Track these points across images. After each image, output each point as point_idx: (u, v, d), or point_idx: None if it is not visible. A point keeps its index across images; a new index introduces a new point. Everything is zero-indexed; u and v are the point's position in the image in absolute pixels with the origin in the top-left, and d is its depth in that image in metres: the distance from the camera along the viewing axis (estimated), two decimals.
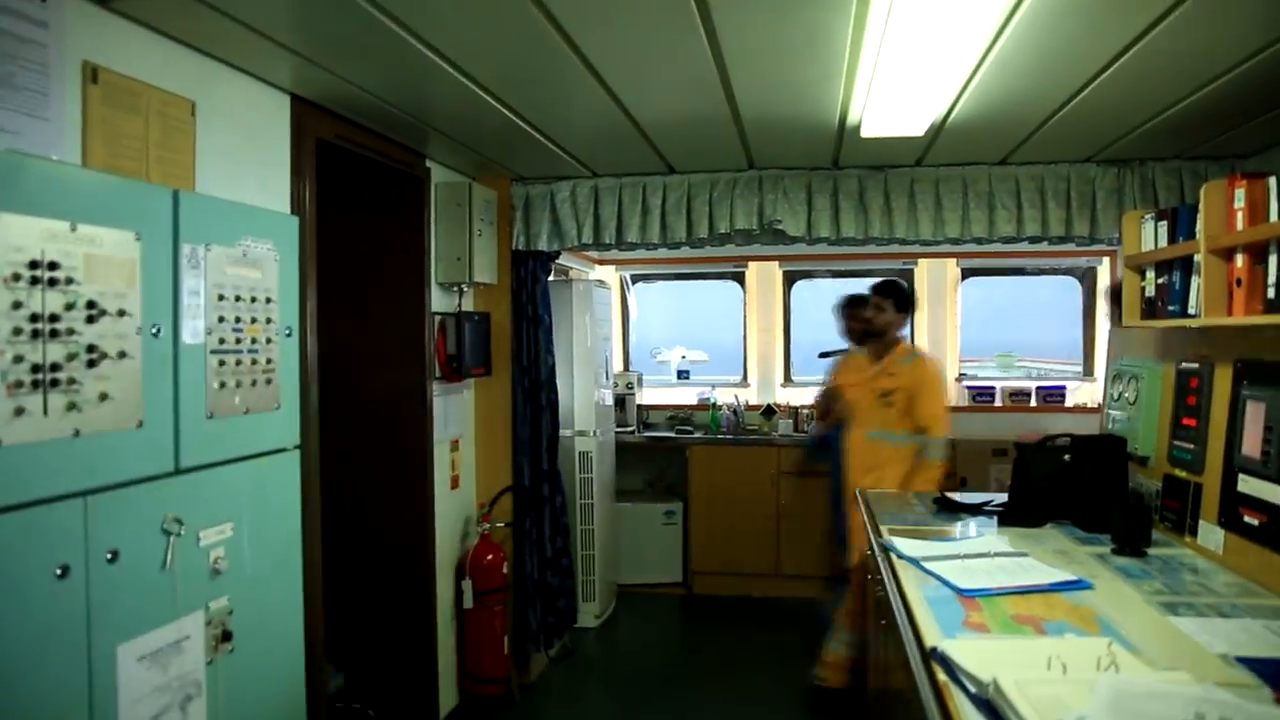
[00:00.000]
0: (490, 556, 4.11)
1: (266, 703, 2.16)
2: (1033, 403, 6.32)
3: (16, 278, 1.49)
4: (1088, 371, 6.45)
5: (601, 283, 6.03)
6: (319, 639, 2.92)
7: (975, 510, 3.28)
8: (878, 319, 4.19)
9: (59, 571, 1.57)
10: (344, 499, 3.67)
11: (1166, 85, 2.87)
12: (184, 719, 1.86)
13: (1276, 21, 2.29)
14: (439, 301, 4.01)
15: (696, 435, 6.43)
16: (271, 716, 2.19)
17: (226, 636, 1.99)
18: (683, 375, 7.16)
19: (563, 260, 5.57)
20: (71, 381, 1.59)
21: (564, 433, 5.07)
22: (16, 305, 1.49)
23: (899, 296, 4.19)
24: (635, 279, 7.19)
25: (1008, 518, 3.07)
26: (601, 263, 6.92)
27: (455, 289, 4.11)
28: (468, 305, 4.20)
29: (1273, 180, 2.28)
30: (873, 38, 2.38)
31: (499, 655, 4.15)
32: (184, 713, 1.86)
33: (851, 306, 4.62)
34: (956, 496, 3.49)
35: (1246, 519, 2.40)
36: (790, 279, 6.84)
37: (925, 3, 2.13)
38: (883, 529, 3.00)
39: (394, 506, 3.87)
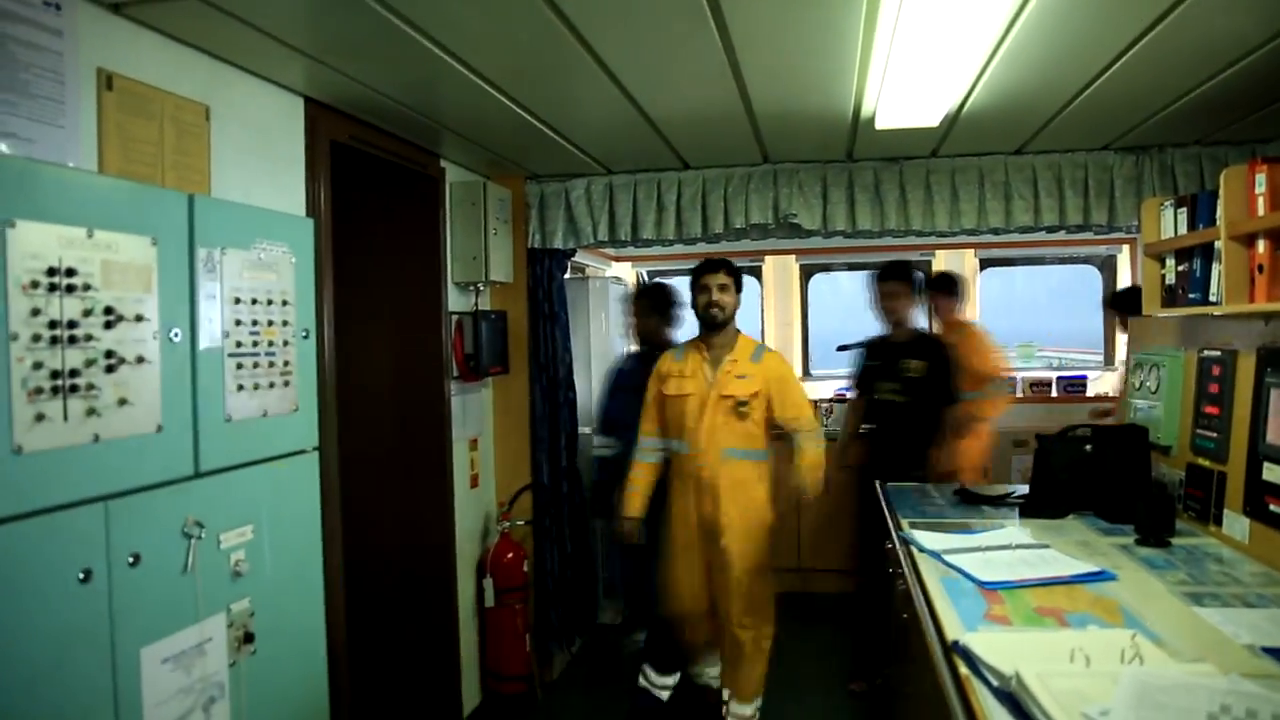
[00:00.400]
0: (511, 554, 4.12)
1: (289, 703, 2.18)
2: (1054, 393, 6.27)
3: (34, 285, 1.50)
4: (1109, 361, 6.39)
5: (618, 279, 6.02)
6: (341, 639, 2.94)
7: (996, 502, 3.26)
8: (727, 302, 3.59)
9: (82, 576, 1.59)
10: (364, 499, 3.69)
11: (1183, 71, 2.83)
12: None
13: None
14: (455, 301, 4.02)
15: None
16: (294, 717, 2.20)
17: (248, 638, 2.01)
18: None
19: (579, 257, 5.57)
20: (90, 387, 1.60)
21: (583, 430, 5.07)
22: (35, 312, 1.50)
23: (739, 274, 3.67)
24: (651, 275, 7.18)
25: (1029, 509, 3.04)
26: (618, 259, 6.92)
27: (471, 288, 4.12)
28: (484, 304, 4.21)
29: None
30: (885, 28, 2.36)
31: (521, 653, 4.16)
32: (207, 714, 1.87)
33: (660, 296, 4.19)
34: (977, 488, 3.46)
35: (1272, 508, 2.37)
36: (807, 272, 6.82)
37: None
38: (903, 522, 2.98)
39: (414, 506, 3.88)
